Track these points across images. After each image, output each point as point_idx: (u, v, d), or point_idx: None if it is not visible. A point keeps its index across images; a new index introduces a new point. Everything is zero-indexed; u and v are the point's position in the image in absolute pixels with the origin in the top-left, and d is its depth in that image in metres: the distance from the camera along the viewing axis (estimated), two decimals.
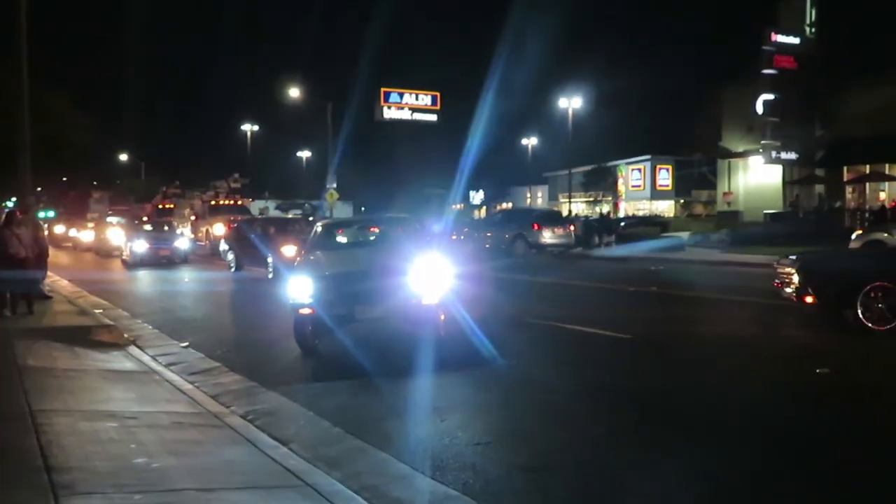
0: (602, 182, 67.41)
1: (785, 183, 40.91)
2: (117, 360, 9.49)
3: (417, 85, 50.98)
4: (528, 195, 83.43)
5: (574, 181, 56.75)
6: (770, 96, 37.23)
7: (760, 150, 39.30)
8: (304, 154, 73.83)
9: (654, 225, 42.30)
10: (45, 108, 33.14)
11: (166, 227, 31.15)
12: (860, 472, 5.21)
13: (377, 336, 9.97)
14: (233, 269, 23.65)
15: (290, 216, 40.42)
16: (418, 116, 50.63)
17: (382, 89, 49.27)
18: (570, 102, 48.63)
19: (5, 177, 18.84)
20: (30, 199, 17.48)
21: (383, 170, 58.92)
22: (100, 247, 35.45)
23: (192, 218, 41.55)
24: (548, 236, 28.51)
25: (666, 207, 66.64)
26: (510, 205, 79.05)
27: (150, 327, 12.44)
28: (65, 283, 20.27)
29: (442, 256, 10.10)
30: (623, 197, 69.49)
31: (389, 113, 49.91)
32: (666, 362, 9.26)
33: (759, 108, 37.77)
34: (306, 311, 9.03)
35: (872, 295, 9.82)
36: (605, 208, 58.01)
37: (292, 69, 52.53)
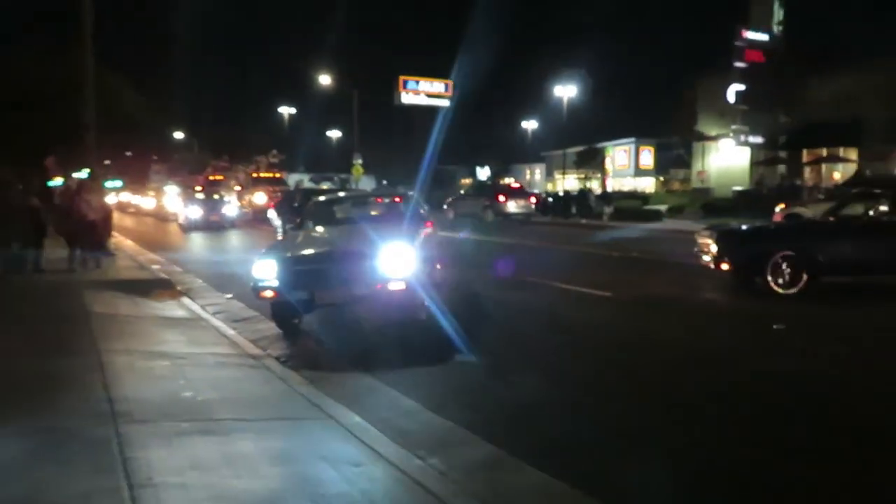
0: (592, 161, 66.80)
1: (752, 163, 40.60)
2: (170, 309, 9.55)
3: (432, 72, 50.44)
4: (528, 172, 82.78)
5: (568, 160, 56.35)
6: (741, 87, 36.79)
7: (731, 135, 39.02)
8: (334, 133, 73.42)
9: (637, 199, 42.02)
10: (111, 90, 33.01)
11: (216, 196, 31.15)
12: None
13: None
14: (279, 235, 23.20)
15: (324, 187, 40.21)
16: (432, 102, 50.20)
17: (401, 77, 48.78)
18: (565, 90, 48.08)
19: (79, 151, 18.88)
20: (96, 170, 17.43)
21: (403, 147, 58.48)
22: (158, 212, 35.64)
23: (238, 188, 41.51)
24: (511, 206, 30.41)
25: (647, 184, 66.10)
26: (512, 180, 78.61)
27: (200, 281, 12.50)
28: (128, 242, 20.38)
29: (423, 235, 8.86)
30: (610, 174, 68.90)
31: (407, 98, 49.48)
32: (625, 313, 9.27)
33: (731, 97, 37.39)
34: (269, 293, 7.40)
35: (779, 262, 9.82)
36: (592, 184, 57.56)
37: (324, 56, 52.08)
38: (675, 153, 59.05)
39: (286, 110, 63.17)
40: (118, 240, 19.37)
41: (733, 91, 37.06)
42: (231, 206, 30.75)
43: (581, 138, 61.60)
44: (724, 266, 10.42)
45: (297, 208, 20.97)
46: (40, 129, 30.43)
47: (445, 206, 33.58)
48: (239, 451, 4.18)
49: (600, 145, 67.53)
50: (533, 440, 4.72)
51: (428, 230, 9.55)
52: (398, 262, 7.34)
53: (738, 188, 36.58)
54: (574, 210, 34.55)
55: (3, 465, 3.69)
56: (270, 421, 4.86)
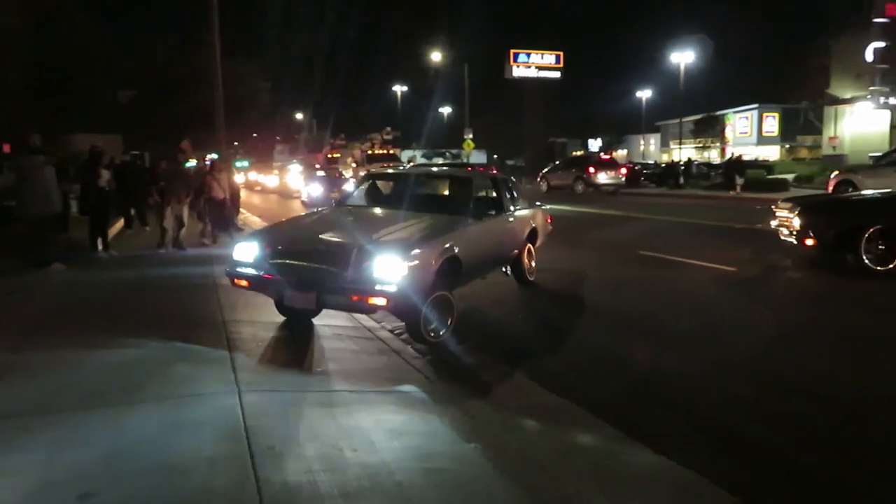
0: (710, 129, 63.53)
1: (893, 127, 36.98)
2: None
3: (543, 44, 49.38)
4: (642, 142, 79.84)
5: (684, 129, 53.74)
6: (880, 44, 33.51)
7: (869, 97, 35.66)
8: (446, 109, 73.73)
9: (760, 168, 39.51)
10: (237, 75, 34.61)
11: (337, 174, 31.92)
12: None
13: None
14: None
15: (439, 162, 40.44)
16: (543, 74, 49.23)
17: (511, 50, 48.12)
18: (682, 56, 45.66)
19: (210, 133, 19.99)
20: (225, 151, 18.29)
21: (514, 121, 57.79)
22: (282, 190, 37.06)
23: (354, 165, 42.52)
24: (601, 178, 31.30)
25: (771, 152, 62.02)
26: (625, 152, 76.14)
27: None
28: (255, 219, 21.31)
29: (480, 224, 7.24)
30: (730, 143, 65.24)
31: (518, 71, 48.81)
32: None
33: (869, 56, 34.15)
34: (243, 282, 6.26)
35: (874, 238, 8.98)
36: (709, 154, 54.66)
37: (436, 32, 52.03)
38: (803, 119, 54.92)
39: (399, 88, 63.96)
40: (245, 216, 20.31)
41: (871, 49, 33.85)
42: (350, 183, 31.38)
43: (698, 106, 58.66)
44: (809, 242, 9.59)
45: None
46: (175, 114, 32.48)
47: (539, 179, 35.10)
48: (355, 422, 4.19)
49: (719, 113, 64.03)
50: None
51: (492, 216, 7.86)
52: (382, 268, 5.55)
53: (875, 154, 33.53)
54: (682, 180, 34.07)
55: (141, 434, 3.87)
56: (385, 393, 4.86)
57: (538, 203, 10.17)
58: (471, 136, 40.48)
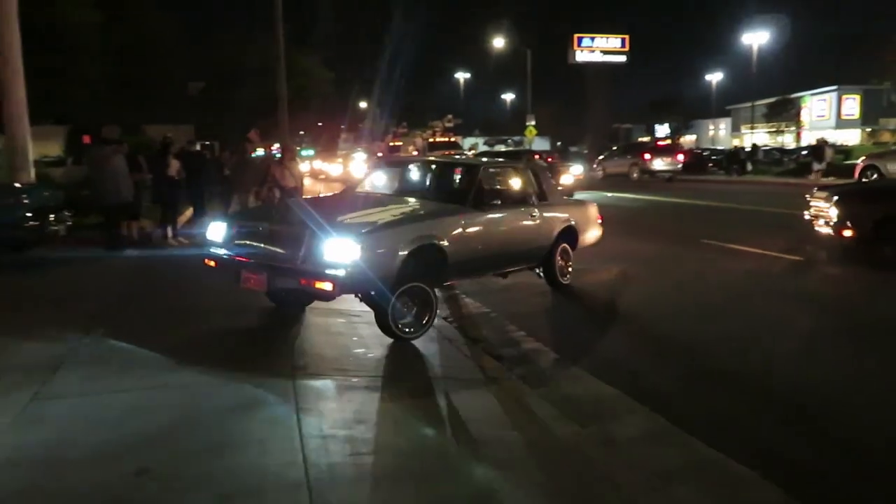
0: (784, 113, 60.92)
1: None
2: None
3: (607, 27, 48.33)
4: (711, 127, 77.32)
5: (756, 113, 51.71)
6: None
7: None
8: (508, 96, 73.21)
9: (838, 153, 37.72)
10: (302, 65, 35.31)
11: None
12: None
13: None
14: None
15: (500, 149, 40.10)
16: (608, 58, 48.20)
17: (575, 35, 47.26)
18: (755, 37, 43.91)
19: (276, 122, 20.54)
20: (290, 140, 18.70)
21: (577, 107, 56.92)
22: (346, 178, 37.43)
23: (415, 153, 42.64)
24: (657, 164, 30.52)
25: (851, 136, 59.04)
26: (693, 137, 73.93)
27: None
28: None
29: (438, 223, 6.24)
30: (806, 127, 62.45)
31: (581, 56, 47.89)
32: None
33: None
34: (211, 262, 6.13)
35: None
36: (783, 138, 52.45)
37: (498, 17, 51.62)
38: (887, 100, 52.07)
39: (461, 76, 63.82)
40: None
41: None
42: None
43: (772, 89, 56.32)
44: (847, 233, 9.14)
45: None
46: (243, 104, 33.39)
47: (595, 165, 34.67)
48: (402, 408, 4.25)
49: (795, 96, 61.35)
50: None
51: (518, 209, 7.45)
52: (331, 251, 5.22)
53: None
54: (749, 167, 33.00)
55: (196, 413, 4.02)
56: (435, 380, 4.90)
57: (581, 198, 9.86)
58: (533, 122, 40.08)
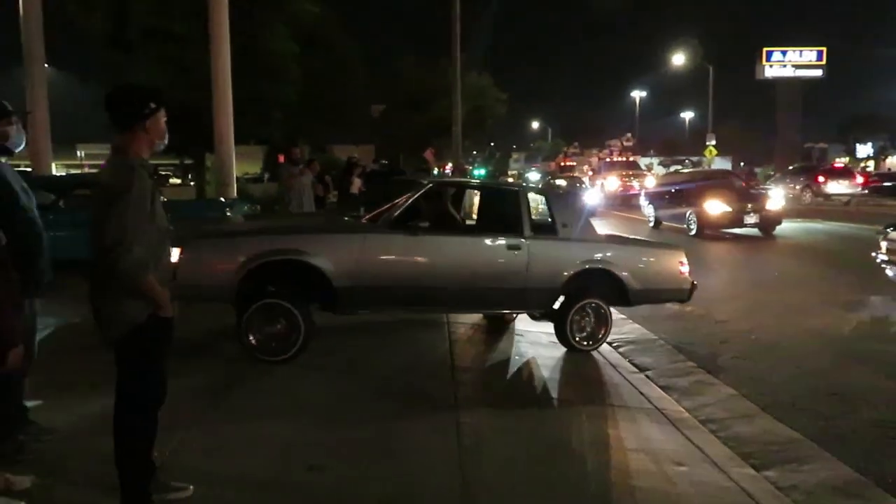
0: None
1: None
2: None
3: (800, 40, 44.90)
4: None
5: None
6: None
7: None
8: (687, 114, 70.13)
9: None
10: (477, 87, 36.28)
11: (578, 184, 30.69)
12: None
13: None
14: (651, 224, 18.88)
15: (677, 169, 38.03)
16: (801, 73, 44.68)
17: (764, 49, 44.37)
18: None
19: (450, 143, 21.34)
20: (462, 160, 19.26)
21: (764, 125, 53.29)
22: None
23: (590, 173, 41.92)
24: (832, 187, 28.29)
25: None
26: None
27: None
28: None
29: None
30: None
31: (770, 71, 44.87)
32: None
33: None
34: None
35: None
36: None
37: (677, 34, 49.84)
38: None
39: (637, 94, 62.23)
40: None
41: None
42: (593, 194, 28.06)
43: None
44: None
45: (674, 193, 17.90)
46: (420, 125, 34.95)
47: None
48: (561, 431, 4.22)
49: None
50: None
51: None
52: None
53: None
54: None
55: (365, 416, 4.26)
56: (595, 405, 4.81)
57: (650, 240, 8.29)
58: (713, 142, 37.99)
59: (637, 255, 6.41)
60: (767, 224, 15.55)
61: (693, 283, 6.42)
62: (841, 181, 28.83)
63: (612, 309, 6.20)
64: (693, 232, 15.72)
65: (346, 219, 6.44)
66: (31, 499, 3.01)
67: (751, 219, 15.33)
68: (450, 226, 6.47)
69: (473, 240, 6.04)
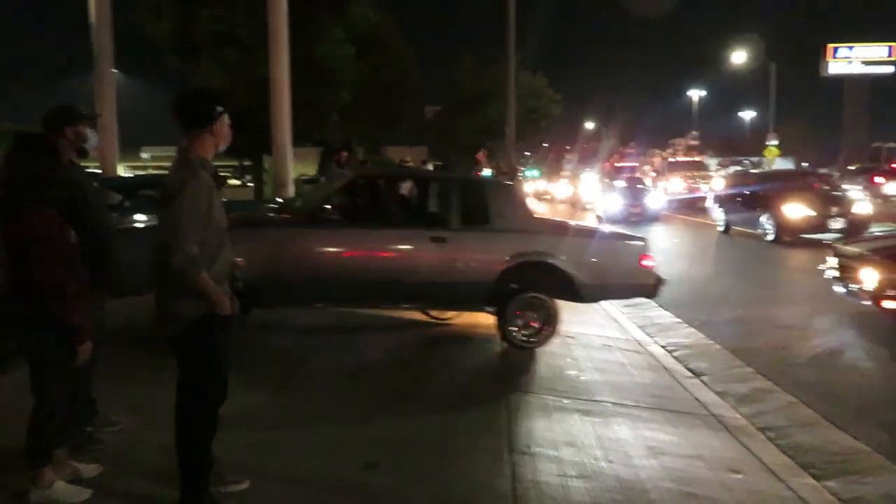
0: None
1: None
2: None
3: (868, 35, 43.09)
4: None
5: None
6: None
7: None
8: (748, 114, 68.17)
9: None
10: (531, 88, 36.13)
11: (639, 185, 25.04)
12: None
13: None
14: (720, 229, 16.97)
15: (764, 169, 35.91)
16: (870, 70, 42.83)
17: (829, 45, 42.70)
18: None
19: (501, 144, 21.40)
20: (514, 161, 19.21)
21: (828, 124, 51.36)
22: (574, 200, 35.30)
23: (652, 174, 40.45)
24: (890, 188, 25.79)
25: None
26: None
27: None
28: None
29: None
30: None
31: (836, 68, 43.07)
32: None
33: None
34: None
35: None
36: None
37: (738, 30, 48.41)
38: None
39: (695, 93, 60.80)
40: None
41: None
42: (656, 196, 24.20)
43: None
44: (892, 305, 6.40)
45: (748, 195, 15.99)
46: (473, 126, 35.02)
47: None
48: (614, 435, 4.17)
49: None
50: None
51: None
52: None
53: None
54: None
55: (419, 416, 4.31)
56: (650, 410, 4.73)
57: (611, 229, 7.73)
58: (776, 142, 36.74)
59: (586, 246, 5.96)
60: (854, 229, 13.59)
61: (659, 277, 5.98)
62: None
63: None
64: (770, 237, 14.24)
65: (270, 214, 6.32)
66: (98, 487, 3.15)
67: (836, 223, 13.73)
68: (369, 218, 6.17)
69: (391, 232, 5.72)
